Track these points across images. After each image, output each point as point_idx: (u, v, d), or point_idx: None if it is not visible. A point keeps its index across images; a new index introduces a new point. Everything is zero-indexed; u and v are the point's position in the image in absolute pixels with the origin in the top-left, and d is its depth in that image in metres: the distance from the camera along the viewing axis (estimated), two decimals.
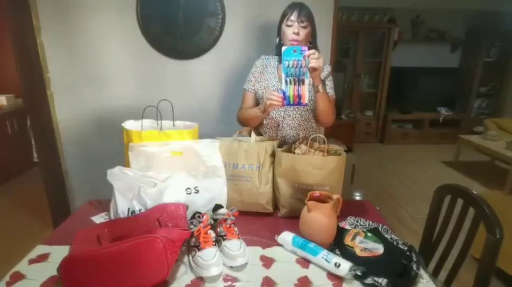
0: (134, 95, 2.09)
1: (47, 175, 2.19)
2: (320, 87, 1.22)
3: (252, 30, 2.04)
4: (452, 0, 4.32)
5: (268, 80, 1.42)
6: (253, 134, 1.26)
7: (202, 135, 1.22)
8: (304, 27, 1.28)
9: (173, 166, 1.11)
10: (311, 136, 1.20)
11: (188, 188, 1.09)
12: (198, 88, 2.12)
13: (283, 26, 1.32)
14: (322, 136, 1.17)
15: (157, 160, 1.11)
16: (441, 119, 4.83)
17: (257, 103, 1.46)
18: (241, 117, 1.46)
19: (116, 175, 1.04)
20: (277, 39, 1.39)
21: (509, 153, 3.16)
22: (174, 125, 1.25)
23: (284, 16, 1.32)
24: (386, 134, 4.93)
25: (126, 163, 1.16)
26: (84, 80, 2.04)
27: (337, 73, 4.54)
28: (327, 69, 1.40)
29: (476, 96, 4.96)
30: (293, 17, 1.27)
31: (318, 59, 1.11)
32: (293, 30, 1.27)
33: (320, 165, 1.09)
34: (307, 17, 1.28)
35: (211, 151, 1.13)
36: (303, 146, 1.18)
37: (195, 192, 1.09)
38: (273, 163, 1.20)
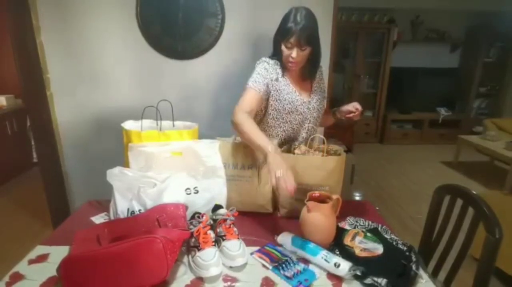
0: (134, 96, 2.09)
1: (47, 176, 2.19)
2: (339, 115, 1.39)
3: (251, 31, 2.04)
4: (451, 0, 4.32)
5: (285, 92, 1.28)
6: None
7: (201, 136, 1.22)
8: (303, 50, 1.20)
9: (173, 166, 1.11)
10: (311, 136, 1.20)
11: (188, 189, 1.09)
12: (198, 88, 2.12)
13: (282, 45, 1.22)
14: (322, 136, 1.17)
15: (156, 161, 1.11)
16: (441, 119, 4.84)
17: (260, 106, 1.30)
18: (241, 126, 1.12)
19: (115, 176, 1.04)
20: (273, 49, 1.31)
21: (508, 153, 3.16)
22: (173, 125, 1.25)
23: (283, 34, 1.19)
24: (385, 134, 4.93)
25: (125, 164, 1.16)
26: (84, 81, 2.04)
27: (337, 73, 4.54)
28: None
29: (475, 96, 4.97)
30: (293, 40, 1.17)
31: (359, 116, 1.30)
32: (292, 54, 1.20)
33: (319, 165, 1.09)
34: (307, 41, 1.18)
35: (211, 152, 1.14)
36: (302, 146, 1.18)
37: (194, 193, 1.09)
38: None
